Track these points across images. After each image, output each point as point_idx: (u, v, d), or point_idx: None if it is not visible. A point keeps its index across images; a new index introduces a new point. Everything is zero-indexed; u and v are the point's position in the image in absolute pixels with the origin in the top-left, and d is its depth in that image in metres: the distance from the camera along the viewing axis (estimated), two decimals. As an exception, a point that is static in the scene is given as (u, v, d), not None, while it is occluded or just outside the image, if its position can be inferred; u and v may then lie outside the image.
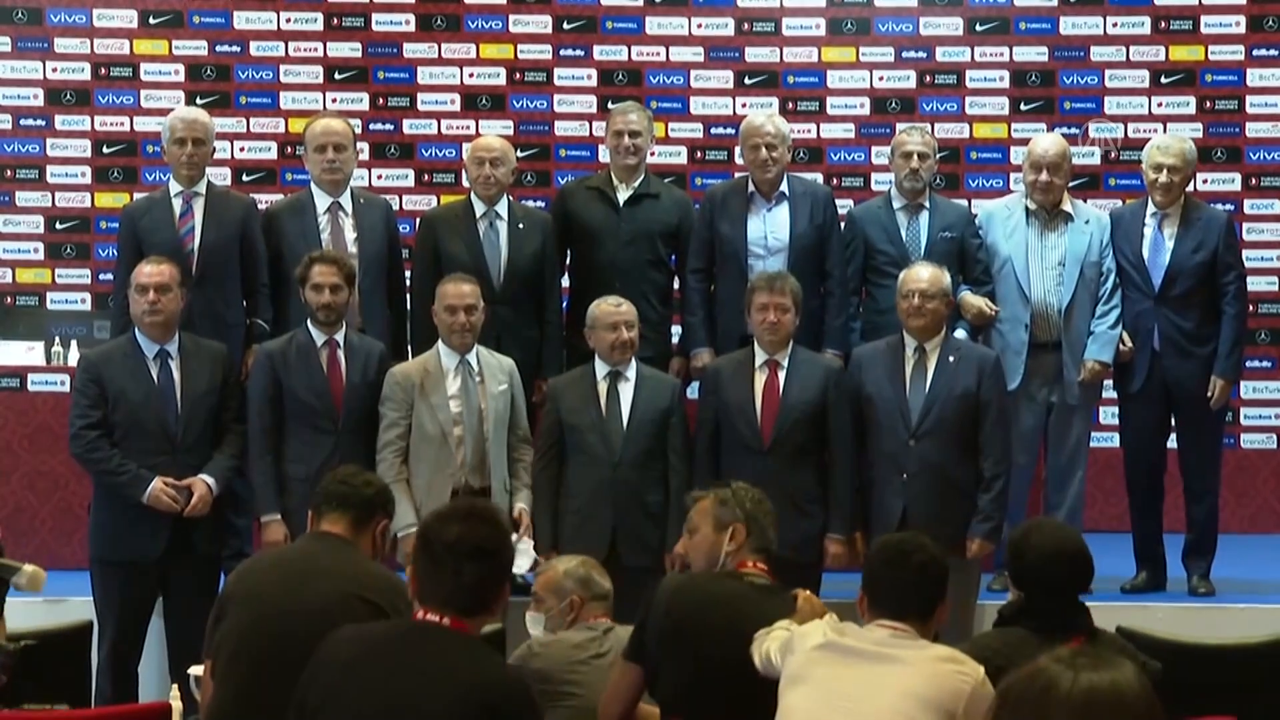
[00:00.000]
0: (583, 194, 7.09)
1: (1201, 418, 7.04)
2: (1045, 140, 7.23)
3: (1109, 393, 7.26)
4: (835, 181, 8.84)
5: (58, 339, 8.10)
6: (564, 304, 7.09)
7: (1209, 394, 6.93)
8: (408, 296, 6.97)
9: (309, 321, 6.32)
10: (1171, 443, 7.15)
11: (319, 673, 3.40)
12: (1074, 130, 8.92)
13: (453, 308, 6.26)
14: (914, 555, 3.88)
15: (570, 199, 7.14)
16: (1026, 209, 7.04)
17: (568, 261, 7.16)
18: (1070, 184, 7.20)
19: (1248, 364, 7.41)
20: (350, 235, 6.82)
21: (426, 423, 6.23)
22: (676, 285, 7.18)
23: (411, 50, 9.27)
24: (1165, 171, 6.95)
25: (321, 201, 6.85)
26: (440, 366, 6.28)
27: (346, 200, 6.88)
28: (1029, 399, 6.98)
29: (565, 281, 7.18)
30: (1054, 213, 7.02)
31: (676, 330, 7.28)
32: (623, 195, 7.00)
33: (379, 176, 9.14)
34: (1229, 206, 8.27)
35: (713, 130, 9.20)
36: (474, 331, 6.29)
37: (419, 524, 3.64)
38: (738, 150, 7.62)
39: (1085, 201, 7.51)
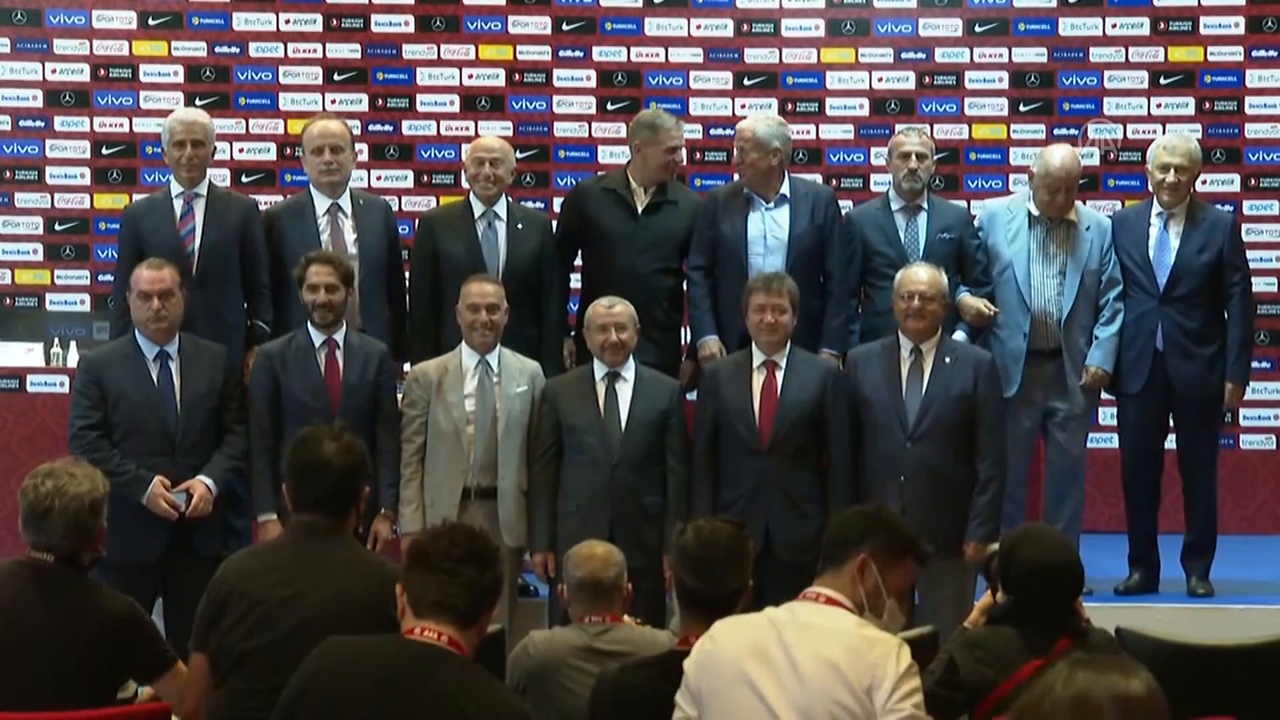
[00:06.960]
0: (600, 196, 6.98)
1: (1201, 418, 7.05)
2: (1061, 156, 6.96)
3: (1107, 394, 7.25)
4: (834, 183, 8.82)
5: (57, 340, 8.13)
6: (573, 307, 7.09)
7: (1223, 397, 6.95)
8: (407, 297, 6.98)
9: (308, 322, 6.33)
10: (1170, 443, 7.15)
11: (310, 688, 3.37)
12: (1073, 131, 8.93)
13: (475, 306, 6.30)
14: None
15: (587, 199, 7.04)
16: (1029, 214, 7.01)
17: (578, 262, 7.15)
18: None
19: (1247, 365, 7.39)
20: (350, 237, 6.82)
21: (441, 420, 6.28)
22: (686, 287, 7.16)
23: (411, 51, 9.27)
24: (1172, 171, 6.93)
25: (321, 203, 6.85)
26: (460, 365, 6.33)
27: (346, 202, 6.88)
28: (1027, 405, 6.95)
29: (577, 284, 7.17)
30: (1057, 219, 6.99)
31: (686, 333, 7.27)
32: (641, 202, 6.94)
33: (378, 178, 9.14)
34: (1228, 208, 8.25)
35: (712, 131, 9.19)
36: (495, 331, 6.31)
37: (411, 539, 3.61)
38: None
39: (1085, 203, 7.49)
